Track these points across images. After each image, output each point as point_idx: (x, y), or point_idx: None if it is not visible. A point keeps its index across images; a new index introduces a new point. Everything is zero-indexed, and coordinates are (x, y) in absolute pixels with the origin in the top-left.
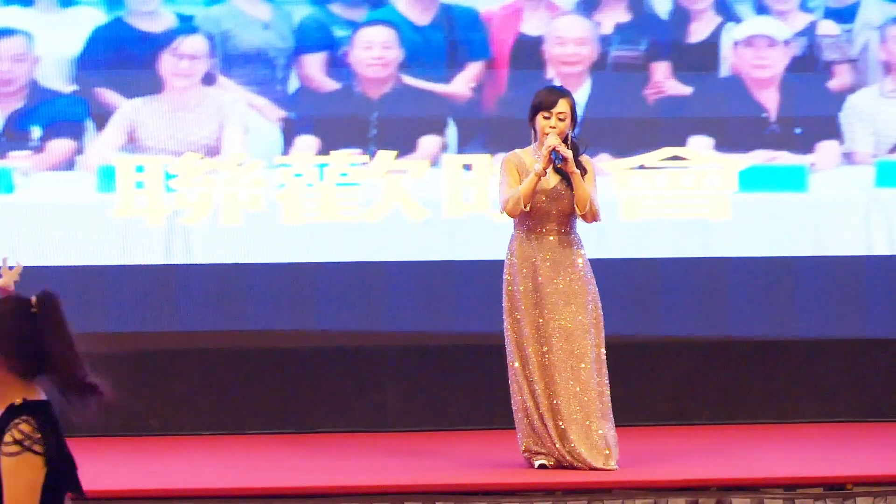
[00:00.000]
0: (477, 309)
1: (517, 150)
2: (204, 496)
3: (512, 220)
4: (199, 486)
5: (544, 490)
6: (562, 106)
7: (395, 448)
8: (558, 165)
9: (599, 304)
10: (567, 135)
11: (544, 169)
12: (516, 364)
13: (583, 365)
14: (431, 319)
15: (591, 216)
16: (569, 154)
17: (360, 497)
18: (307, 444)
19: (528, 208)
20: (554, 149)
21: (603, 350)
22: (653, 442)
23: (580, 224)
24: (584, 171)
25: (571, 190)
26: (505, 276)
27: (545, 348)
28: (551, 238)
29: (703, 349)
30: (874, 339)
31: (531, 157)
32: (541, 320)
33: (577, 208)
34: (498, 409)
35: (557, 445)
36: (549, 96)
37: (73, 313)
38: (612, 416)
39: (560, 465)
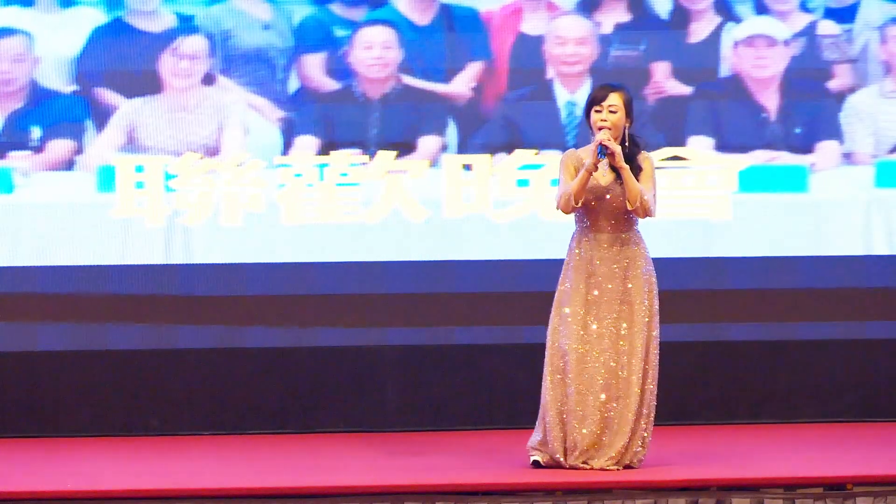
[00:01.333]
0: (477, 309)
1: (575, 149)
2: (204, 496)
3: (573, 217)
4: (199, 486)
5: (544, 490)
6: (612, 99)
7: (395, 448)
8: (602, 160)
9: (657, 304)
10: (623, 130)
11: (594, 164)
12: (552, 358)
13: (622, 371)
14: (431, 319)
15: (643, 211)
16: (616, 148)
17: (360, 497)
18: (307, 444)
19: (579, 204)
20: (600, 143)
21: (652, 351)
22: (653, 442)
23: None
24: (639, 169)
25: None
26: (562, 274)
27: (583, 349)
28: (604, 236)
29: (703, 349)
30: (874, 339)
31: (588, 154)
32: (588, 320)
33: (627, 203)
34: (498, 409)
35: (563, 457)
36: (600, 91)
37: (72, 313)
38: (646, 420)
39: (554, 466)
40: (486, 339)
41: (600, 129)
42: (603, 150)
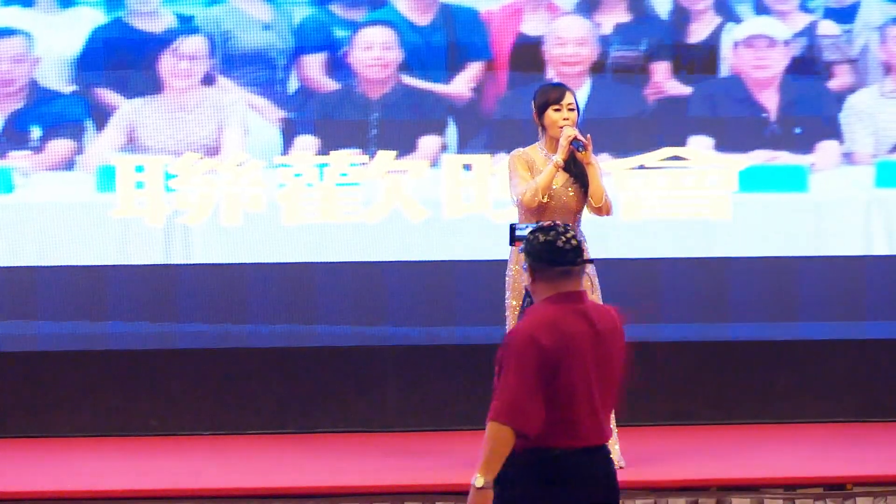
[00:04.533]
0: (476, 309)
1: (523, 148)
2: (204, 496)
3: (517, 216)
4: (199, 486)
5: None
6: (569, 98)
7: (395, 448)
8: (580, 152)
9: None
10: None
11: (564, 160)
12: None
13: None
14: (431, 319)
15: (606, 209)
16: (588, 141)
17: (360, 497)
18: (307, 444)
19: (546, 199)
20: (575, 138)
21: None
22: (653, 442)
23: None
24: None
25: (581, 187)
26: (510, 272)
27: None
28: None
29: (704, 349)
30: (874, 339)
31: (538, 154)
32: None
33: (592, 200)
34: None
35: None
36: (556, 90)
37: (72, 313)
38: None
39: None
40: (486, 339)
41: (562, 126)
42: (580, 144)
